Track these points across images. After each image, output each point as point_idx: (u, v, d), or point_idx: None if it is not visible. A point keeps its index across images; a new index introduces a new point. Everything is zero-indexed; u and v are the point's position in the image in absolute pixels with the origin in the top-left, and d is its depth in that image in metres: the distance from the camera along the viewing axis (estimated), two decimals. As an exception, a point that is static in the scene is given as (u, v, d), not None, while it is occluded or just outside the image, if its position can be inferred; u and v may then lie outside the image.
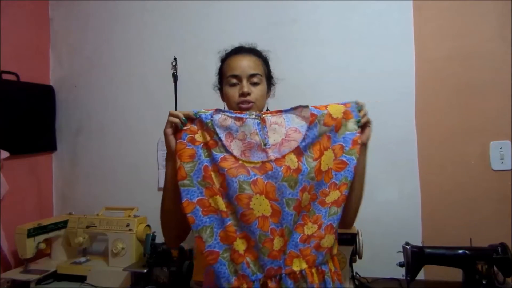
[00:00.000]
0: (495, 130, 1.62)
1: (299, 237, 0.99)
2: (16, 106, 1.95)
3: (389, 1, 1.72)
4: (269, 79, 1.25)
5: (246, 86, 1.15)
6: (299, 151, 1.01)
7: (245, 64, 1.17)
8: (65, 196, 2.18)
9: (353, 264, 1.56)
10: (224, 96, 1.22)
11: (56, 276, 1.78)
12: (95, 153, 2.12)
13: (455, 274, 1.44)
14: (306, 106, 1.04)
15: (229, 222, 0.96)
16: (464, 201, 1.64)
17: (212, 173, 0.99)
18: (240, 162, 0.99)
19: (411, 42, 1.70)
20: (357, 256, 1.53)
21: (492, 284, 1.36)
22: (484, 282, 1.36)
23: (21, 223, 1.80)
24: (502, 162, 1.61)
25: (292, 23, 1.82)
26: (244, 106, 1.14)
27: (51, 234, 1.86)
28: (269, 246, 0.94)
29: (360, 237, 1.52)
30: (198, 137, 1.01)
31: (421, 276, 1.53)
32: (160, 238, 1.70)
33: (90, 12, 2.14)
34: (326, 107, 1.04)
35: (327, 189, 1.02)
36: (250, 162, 0.99)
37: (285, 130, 1.03)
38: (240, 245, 0.95)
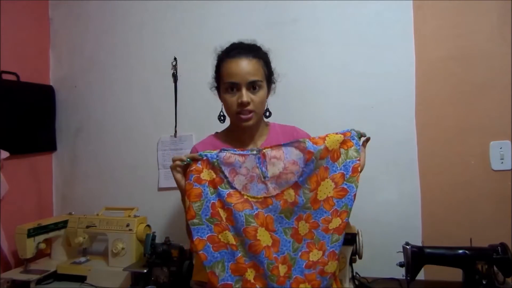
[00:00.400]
0: (495, 130, 1.61)
1: (304, 264, 1.06)
2: (16, 106, 1.95)
3: (389, 1, 1.72)
4: (269, 79, 1.21)
5: (245, 95, 1.10)
6: (297, 186, 1.08)
7: (244, 70, 1.11)
8: (65, 196, 2.18)
9: (353, 264, 1.56)
10: (222, 100, 1.19)
11: (56, 276, 1.78)
12: (95, 153, 2.12)
13: (455, 274, 1.44)
14: (304, 141, 1.08)
15: (239, 255, 1.03)
16: (464, 201, 1.63)
17: (219, 209, 1.05)
18: (245, 197, 1.06)
19: (411, 42, 1.69)
20: (357, 256, 1.53)
21: (492, 284, 1.36)
22: (484, 282, 1.36)
23: (21, 223, 1.81)
24: (502, 162, 1.61)
25: (292, 23, 1.81)
26: (244, 116, 1.12)
27: (51, 234, 1.86)
28: (276, 273, 1.02)
29: (360, 237, 1.52)
30: (204, 175, 1.07)
31: (421, 276, 1.53)
32: (160, 238, 1.71)
33: (90, 12, 2.14)
34: (324, 139, 1.09)
35: (330, 216, 1.08)
36: (253, 197, 1.06)
37: (283, 164, 1.08)
38: (250, 274, 1.03)
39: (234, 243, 1.04)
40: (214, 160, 1.07)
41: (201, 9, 1.94)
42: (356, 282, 1.58)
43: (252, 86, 1.12)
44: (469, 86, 1.64)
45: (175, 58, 1.98)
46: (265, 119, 1.30)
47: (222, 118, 1.27)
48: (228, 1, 1.90)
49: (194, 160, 1.07)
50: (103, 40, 2.12)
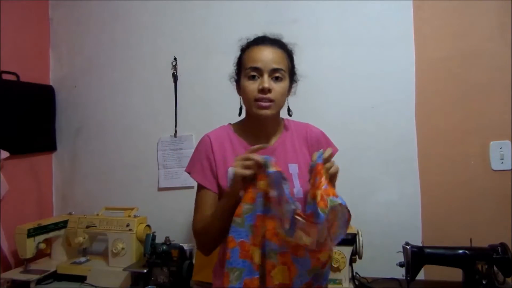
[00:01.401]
0: (495, 130, 1.62)
1: None
2: (16, 106, 1.95)
3: (389, 1, 1.72)
4: (292, 75, 1.17)
5: (267, 81, 1.05)
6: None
7: (268, 57, 1.08)
8: (65, 196, 2.18)
9: (353, 264, 1.56)
10: (240, 89, 1.13)
11: (56, 276, 1.78)
12: (95, 153, 2.12)
13: (455, 274, 1.44)
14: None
15: (256, 276, 0.98)
16: (464, 201, 1.64)
17: (261, 225, 0.99)
18: (277, 230, 0.98)
19: (411, 42, 1.70)
20: (357, 256, 1.53)
21: (492, 284, 1.36)
22: (484, 282, 1.36)
23: (21, 223, 1.81)
24: (502, 162, 1.61)
25: (292, 23, 1.81)
26: (263, 104, 1.06)
27: (51, 234, 1.86)
28: None
29: (360, 237, 1.52)
30: (262, 184, 0.99)
31: (421, 276, 1.53)
32: (160, 238, 1.71)
33: (90, 12, 2.13)
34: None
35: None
36: (285, 237, 0.97)
37: (309, 241, 0.97)
38: None
39: (258, 263, 0.99)
40: (272, 177, 0.97)
41: (201, 9, 1.94)
42: (356, 282, 1.58)
43: (275, 76, 1.08)
44: (469, 86, 1.64)
45: (175, 58, 1.98)
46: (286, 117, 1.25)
47: (240, 111, 1.21)
48: (228, 1, 1.90)
49: (259, 166, 0.98)
50: (103, 40, 2.12)
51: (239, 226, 0.99)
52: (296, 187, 1.11)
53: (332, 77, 1.77)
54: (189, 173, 1.20)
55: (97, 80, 2.13)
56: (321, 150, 1.02)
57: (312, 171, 1.00)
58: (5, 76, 1.92)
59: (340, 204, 0.92)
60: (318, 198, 0.94)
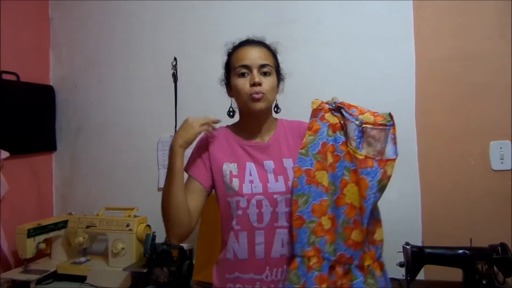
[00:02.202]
0: (495, 130, 1.61)
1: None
2: (16, 106, 1.95)
3: (389, 1, 1.72)
4: (278, 73, 1.23)
5: (257, 76, 1.12)
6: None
7: (255, 55, 1.15)
8: (65, 196, 2.18)
9: (353, 264, 1.56)
10: (232, 90, 1.19)
11: (56, 276, 1.78)
12: (95, 153, 2.12)
13: (455, 274, 1.44)
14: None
15: (325, 198, 1.05)
16: (464, 201, 1.63)
17: (328, 152, 1.08)
18: (348, 149, 1.07)
19: (411, 42, 1.69)
20: (357, 256, 1.53)
21: (492, 284, 1.36)
22: (484, 282, 1.36)
23: (21, 223, 1.81)
24: (502, 162, 1.61)
25: (292, 23, 1.81)
26: (256, 96, 1.12)
27: (51, 234, 1.86)
28: (347, 234, 1.03)
29: (360, 237, 1.51)
30: (328, 116, 1.11)
31: (421, 276, 1.53)
32: (160, 238, 1.71)
33: (90, 12, 2.14)
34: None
35: None
36: (356, 153, 1.06)
37: (380, 146, 1.07)
38: (326, 222, 1.04)
39: (326, 185, 1.06)
40: (341, 107, 1.09)
41: (201, 9, 1.94)
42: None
43: (263, 71, 1.14)
44: (469, 86, 1.64)
45: (175, 58, 1.98)
46: (274, 115, 1.28)
47: (231, 113, 1.27)
48: (228, 1, 1.90)
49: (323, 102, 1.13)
50: (103, 40, 2.12)
51: (303, 156, 1.09)
52: (291, 180, 1.12)
53: (332, 77, 1.77)
54: (185, 170, 1.22)
55: (97, 80, 2.13)
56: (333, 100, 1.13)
57: (340, 107, 1.10)
58: (5, 76, 1.92)
59: (390, 113, 1.09)
60: (372, 116, 1.08)
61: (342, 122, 1.09)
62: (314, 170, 1.07)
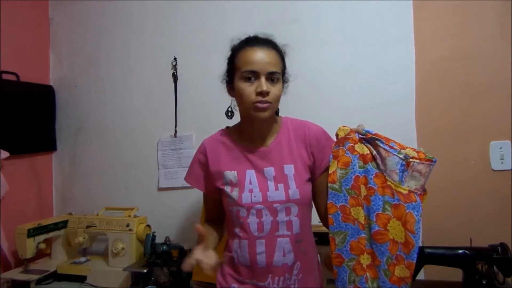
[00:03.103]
0: (495, 130, 1.61)
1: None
2: (16, 106, 1.95)
3: (389, 0, 1.72)
4: (284, 76, 1.18)
5: (264, 85, 1.05)
6: None
7: (265, 60, 1.07)
8: (65, 196, 2.18)
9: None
10: (234, 91, 1.12)
11: (56, 276, 1.78)
12: (95, 153, 2.12)
13: (455, 274, 1.44)
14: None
15: (362, 235, 1.04)
16: (464, 201, 1.63)
17: (361, 185, 1.06)
18: (388, 183, 1.05)
19: (411, 42, 1.69)
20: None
21: (492, 284, 1.36)
22: (484, 282, 1.36)
23: (21, 223, 1.81)
24: (502, 162, 1.61)
25: (292, 23, 1.81)
26: (260, 105, 1.06)
27: (51, 234, 1.86)
28: (392, 270, 1.02)
29: (360, 237, 1.51)
30: (358, 147, 1.08)
31: (421, 276, 1.53)
32: (160, 238, 1.71)
33: (90, 12, 2.13)
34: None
35: None
36: (398, 186, 1.04)
37: (423, 181, 1.05)
38: (365, 259, 1.04)
39: (363, 222, 1.04)
40: (376, 139, 1.08)
41: (201, 9, 1.94)
42: (356, 282, 1.58)
43: (271, 78, 1.08)
44: (469, 86, 1.64)
45: (175, 58, 1.98)
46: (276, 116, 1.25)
47: (230, 114, 1.22)
48: (228, 1, 1.90)
49: (352, 131, 1.11)
50: (103, 40, 2.12)
51: (337, 191, 1.06)
52: (292, 188, 1.11)
53: (332, 77, 1.77)
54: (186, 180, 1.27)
55: (97, 80, 2.13)
56: (361, 127, 1.12)
57: (373, 140, 1.08)
58: (5, 76, 1.92)
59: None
60: (415, 152, 1.05)
61: (373, 153, 1.07)
62: (349, 207, 1.06)
